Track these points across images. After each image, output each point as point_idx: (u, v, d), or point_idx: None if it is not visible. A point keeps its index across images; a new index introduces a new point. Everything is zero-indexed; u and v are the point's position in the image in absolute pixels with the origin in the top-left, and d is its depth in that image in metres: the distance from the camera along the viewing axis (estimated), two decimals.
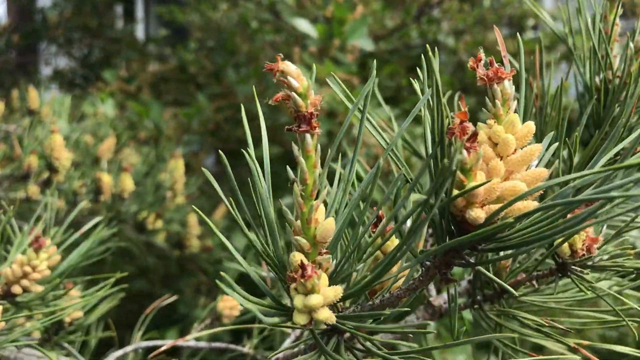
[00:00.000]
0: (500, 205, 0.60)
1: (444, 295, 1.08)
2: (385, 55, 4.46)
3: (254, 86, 0.75)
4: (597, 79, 1.07)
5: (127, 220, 2.28)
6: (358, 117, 0.68)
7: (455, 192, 0.60)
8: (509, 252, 0.64)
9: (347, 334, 0.77)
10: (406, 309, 0.74)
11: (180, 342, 1.21)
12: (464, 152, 0.60)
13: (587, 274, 0.85)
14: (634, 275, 1.06)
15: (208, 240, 2.60)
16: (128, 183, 2.20)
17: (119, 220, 2.25)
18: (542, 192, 0.66)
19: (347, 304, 0.77)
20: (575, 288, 1.00)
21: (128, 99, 3.96)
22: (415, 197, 0.51)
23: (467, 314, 1.10)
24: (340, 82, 0.73)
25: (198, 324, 1.34)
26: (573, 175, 0.57)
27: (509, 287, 0.66)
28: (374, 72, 0.67)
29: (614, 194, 0.54)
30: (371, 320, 0.76)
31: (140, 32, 7.65)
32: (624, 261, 0.86)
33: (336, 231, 0.66)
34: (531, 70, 1.11)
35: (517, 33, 0.74)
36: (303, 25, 2.79)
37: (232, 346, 1.31)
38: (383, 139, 0.68)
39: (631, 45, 1.07)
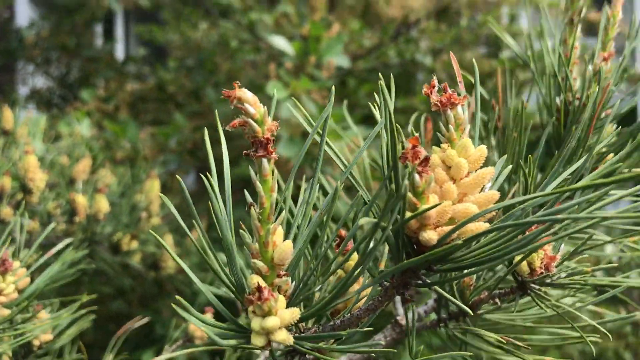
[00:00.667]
0: (452, 227, 0.62)
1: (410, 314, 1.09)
2: (363, 74, 4.51)
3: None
4: (557, 100, 1.11)
5: (102, 241, 2.27)
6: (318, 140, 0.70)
7: (408, 214, 0.62)
8: (465, 271, 0.66)
9: (311, 356, 0.78)
10: (368, 328, 0.75)
11: None
12: (416, 176, 0.61)
13: (545, 292, 0.87)
14: (595, 292, 1.09)
15: (185, 261, 2.59)
16: (103, 204, 2.19)
17: (94, 242, 2.24)
18: (495, 214, 0.68)
19: (310, 324, 0.79)
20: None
21: (106, 118, 3.95)
22: (363, 220, 0.53)
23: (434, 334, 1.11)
24: (301, 107, 0.74)
25: (169, 345, 1.34)
26: (521, 198, 0.59)
27: (463, 306, 0.67)
28: (332, 98, 0.69)
29: (560, 216, 0.56)
30: (333, 341, 0.77)
31: (120, 51, 7.65)
32: (581, 279, 0.88)
33: (295, 253, 0.67)
34: (495, 93, 1.14)
35: (485, 54, 0.77)
36: (280, 42, 2.82)
37: None
38: (341, 162, 0.70)
39: (590, 68, 1.10)
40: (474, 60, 0.80)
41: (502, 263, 0.71)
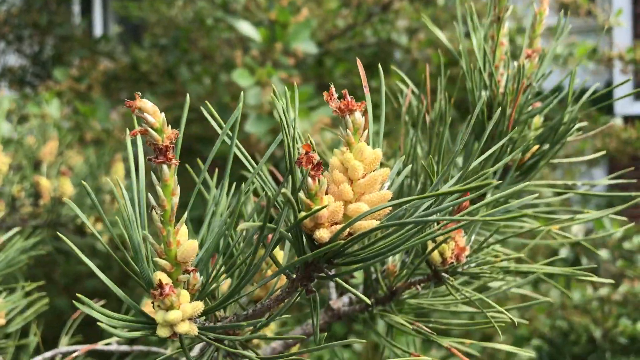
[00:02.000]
0: (342, 225, 0.67)
1: (344, 298, 1.15)
2: (340, 53, 4.52)
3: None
4: (483, 95, 1.16)
5: (67, 223, 2.30)
6: (227, 141, 0.74)
7: (302, 214, 0.67)
8: (360, 265, 0.71)
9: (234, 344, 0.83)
10: (285, 316, 0.81)
11: (100, 346, 1.26)
12: (309, 179, 0.66)
13: (452, 280, 0.93)
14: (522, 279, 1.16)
15: None
16: (67, 187, 2.23)
17: (59, 224, 2.28)
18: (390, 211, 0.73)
19: (227, 313, 0.84)
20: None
21: (78, 98, 3.95)
22: (243, 225, 0.58)
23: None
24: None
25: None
26: (400, 201, 0.64)
27: (360, 295, 0.73)
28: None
29: (433, 217, 0.62)
30: (250, 331, 0.83)
31: (97, 29, 7.58)
32: (489, 268, 0.94)
33: (203, 251, 0.72)
34: (424, 87, 1.19)
35: (378, 64, 0.81)
36: (245, 28, 2.83)
37: (155, 349, 1.37)
38: (249, 163, 0.74)
39: (514, 64, 1.15)
40: (379, 65, 0.85)
41: (388, 257, 0.76)
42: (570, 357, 3.75)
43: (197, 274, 0.70)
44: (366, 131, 0.73)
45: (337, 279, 0.74)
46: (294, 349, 1.19)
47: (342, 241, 0.64)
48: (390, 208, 0.71)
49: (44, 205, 2.27)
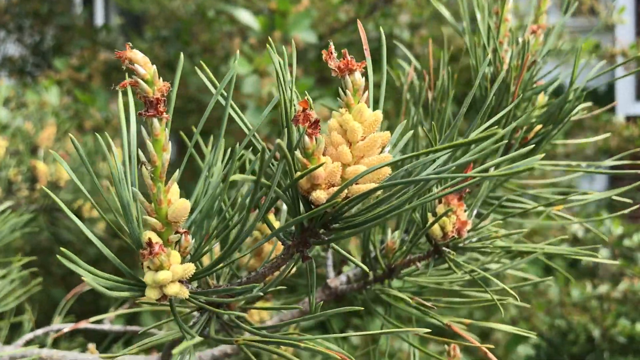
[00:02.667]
0: (339, 187, 0.64)
1: (341, 277, 1.13)
2: (342, 47, 4.50)
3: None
4: (487, 71, 1.13)
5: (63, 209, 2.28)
6: (222, 102, 0.72)
7: (298, 173, 0.64)
8: (357, 229, 0.68)
9: (226, 317, 0.81)
10: (280, 287, 0.78)
11: (92, 325, 1.24)
12: (306, 137, 0.64)
13: (454, 255, 0.91)
14: (520, 258, 1.13)
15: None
16: (64, 172, 2.20)
17: (55, 209, 2.25)
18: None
19: (222, 281, 0.82)
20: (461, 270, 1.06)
21: (78, 87, 3.93)
22: (236, 176, 0.55)
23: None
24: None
25: (115, 307, 1.37)
26: (402, 157, 0.62)
27: (360, 264, 0.71)
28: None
29: (430, 177, 0.59)
30: (243, 300, 0.80)
31: (99, 20, 7.55)
32: (490, 243, 0.91)
33: (197, 212, 0.69)
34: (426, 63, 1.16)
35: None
36: (245, 16, 2.81)
37: (149, 329, 1.34)
38: (244, 125, 0.72)
39: (519, 39, 1.13)
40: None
41: (388, 220, 0.73)
42: (568, 356, 3.72)
43: (189, 237, 0.67)
44: (366, 93, 0.71)
45: (335, 246, 0.71)
46: (290, 330, 1.17)
47: (340, 200, 0.61)
48: (390, 171, 0.68)
49: (41, 190, 2.25)
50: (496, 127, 0.89)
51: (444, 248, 0.92)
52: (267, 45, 0.69)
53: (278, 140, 0.53)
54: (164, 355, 1.04)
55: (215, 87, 0.71)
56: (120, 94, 0.76)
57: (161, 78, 0.62)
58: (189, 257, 0.69)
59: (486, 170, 0.62)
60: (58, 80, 3.77)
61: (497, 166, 0.76)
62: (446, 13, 1.19)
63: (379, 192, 0.67)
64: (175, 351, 0.62)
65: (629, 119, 5.00)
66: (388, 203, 0.67)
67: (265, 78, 2.66)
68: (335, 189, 0.66)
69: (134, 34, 4.88)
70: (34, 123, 2.68)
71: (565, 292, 3.69)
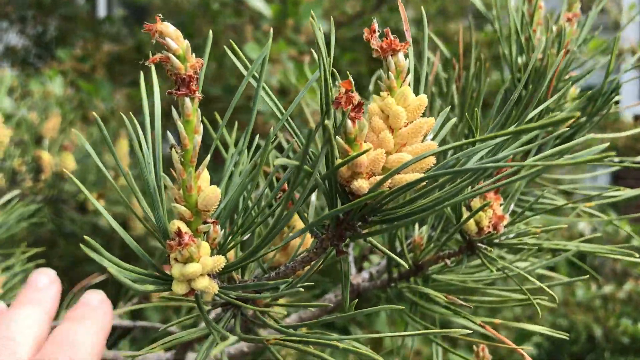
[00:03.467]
0: (382, 176, 0.59)
1: (363, 274, 1.08)
2: (347, 42, 4.44)
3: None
4: (519, 60, 1.08)
5: (68, 199, 2.23)
6: (254, 83, 0.67)
7: (339, 160, 0.59)
8: (397, 222, 0.64)
9: (251, 312, 0.76)
10: (308, 283, 0.73)
11: None
12: (348, 121, 0.59)
13: (491, 251, 0.86)
14: (549, 256, 1.08)
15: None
16: (69, 162, 2.15)
17: (60, 200, 2.20)
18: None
19: (247, 276, 0.77)
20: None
21: (81, 78, 3.87)
22: (280, 160, 0.50)
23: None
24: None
25: (124, 302, 1.32)
26: (453, 145, 0.57)
27: (396, 257, 0.66)
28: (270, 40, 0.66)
29: (487, 165, 0.54)
30: (269, 295, 0.75)
31: (101, 12, 7.49)
32: (529, 239, 0.87)
33: (226, 201, 0.65)
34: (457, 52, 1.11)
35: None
36: (256, 3, 2.76)
37: (158, 325, 1.30)
38: (277, 109, 0.67)
39: (553, 27, 1.08)
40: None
41: (432, 214, 0.69)
42: (568, 355, 3.69)
43: (218, 227, 0.62)
44: (409, 75, 0.66)
45: (373, 240, 0.66)
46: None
47: (387, 189, 0.56)
48: (434, 161, 0.63)
49: (45, 180, 2.20)
50: (536, 117, 0.85)
51: (478, 244, 0.87)
52: (311, 20, 0.64)
53: (325, 122, 0.48)
54: (178, 354, 0.99)
55: (246, 68, 0.66)
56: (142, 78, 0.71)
57: (194, 54, 0.57)
58: (216, 249, 0.64)
59: (546, 158, 0.57)
60: (61, 71, 3.72)
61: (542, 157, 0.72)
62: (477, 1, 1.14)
63: (423, 183, 0.62)
64: (203, 348, 0.57)
65: (636, 118, 4.95)
66: (432, 195, 0.62)
67: (276, 65, 2.61)
68: (377, 178, 0.61)
69: (137, 26, 4.82)
70: (39, 113, 2.63)
71: (569, 291, 3.66)
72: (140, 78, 0.68)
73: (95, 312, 0.74)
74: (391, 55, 0.65)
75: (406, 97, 0.64)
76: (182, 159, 0.57)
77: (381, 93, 0.65)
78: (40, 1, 4.36)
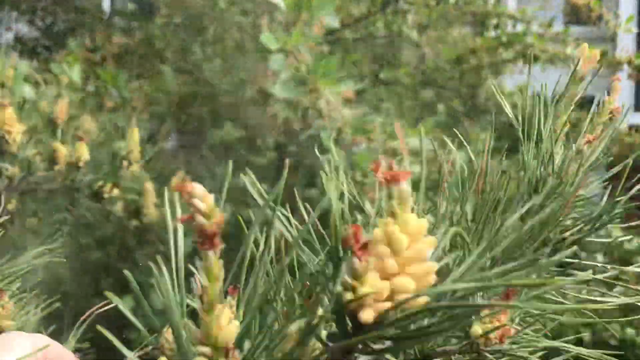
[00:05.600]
0: (388, 306, 0.66)
1: None
2: (349, 44, 4.49)
3: None
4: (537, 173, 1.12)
5: (83, 188, 2.27)
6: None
7: (348, 297, 0.66)
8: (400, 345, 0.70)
9: None
10: None
11: None
12: (356, 260, 0.65)
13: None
14: None
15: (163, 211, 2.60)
16: (83, 152, 2.17)
17: (74, 189, 2.25)
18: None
19: None
20: None
21: (93, 67, 3.93)
22: (295, 326, 0.56)
23: None
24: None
25: (135, 352, 1.37)
26: (461, 286, 0.62)
27: None
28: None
29: (511, 303, 0.61)
30: None
31: (106, 4, 7.45)
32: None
33: (243, 326, 0.71)
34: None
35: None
36: None
37: None
38: (288, 232, 0.73)
39: (573, 146, 1.11)
40: None
41: (434, 340, 0.75)
42: None
43: (237, 352, 0.69)
44: (411, 200, 0.72)
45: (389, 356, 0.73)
46: None
47: (391, 330, 0.63)
48: (434, 279, 0.70)
49: (59, 171, 2.23)
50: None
51: (485, 354, 0.93)
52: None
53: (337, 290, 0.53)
54: None
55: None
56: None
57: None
58: None
59: None
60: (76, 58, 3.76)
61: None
62: (508, 109, 1.17)
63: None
64: None
65: (630, 128, 4.96)
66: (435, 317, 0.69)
67: (291, 57, 2.67)
68: (386, 305, 0.67)
69: (145, 20, 4.83)
70: (54, 101, 2.64)
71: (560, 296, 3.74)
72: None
73: None
74: (394, 185, 0.70)
75: (408, 223, 0.70)
76: (204, 306, 0.63)
77: (386, 219, 0.71)
78: None
